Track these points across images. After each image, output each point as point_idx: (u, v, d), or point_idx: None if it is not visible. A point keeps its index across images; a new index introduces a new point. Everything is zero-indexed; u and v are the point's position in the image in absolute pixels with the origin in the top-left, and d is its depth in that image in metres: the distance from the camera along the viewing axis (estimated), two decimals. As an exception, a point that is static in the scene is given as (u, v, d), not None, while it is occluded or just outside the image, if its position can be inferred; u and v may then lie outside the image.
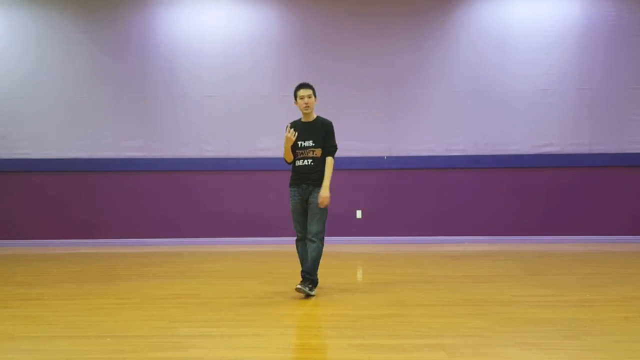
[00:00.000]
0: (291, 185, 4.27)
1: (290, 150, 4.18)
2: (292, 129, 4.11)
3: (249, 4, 7.49)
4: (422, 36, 7.42)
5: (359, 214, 7.37)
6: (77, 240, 7.44)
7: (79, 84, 7.51)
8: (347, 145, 6.71)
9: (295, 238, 4.32)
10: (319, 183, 4.17)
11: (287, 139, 4.10)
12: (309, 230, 4.14)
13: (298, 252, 4.32)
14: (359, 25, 7.43)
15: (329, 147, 4.24)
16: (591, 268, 5.32)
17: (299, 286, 4.02)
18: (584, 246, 6.94)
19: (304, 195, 4.19)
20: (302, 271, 4.13)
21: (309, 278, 4.09)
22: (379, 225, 7.39)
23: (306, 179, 4.19)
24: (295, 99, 4.24)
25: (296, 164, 4.24)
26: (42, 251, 6.96)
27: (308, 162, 4.20)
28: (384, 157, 7.37)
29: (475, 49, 7.40)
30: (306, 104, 4.18)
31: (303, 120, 4.28)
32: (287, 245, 7.11)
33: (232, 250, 6.91)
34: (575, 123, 7.35)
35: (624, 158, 7.30)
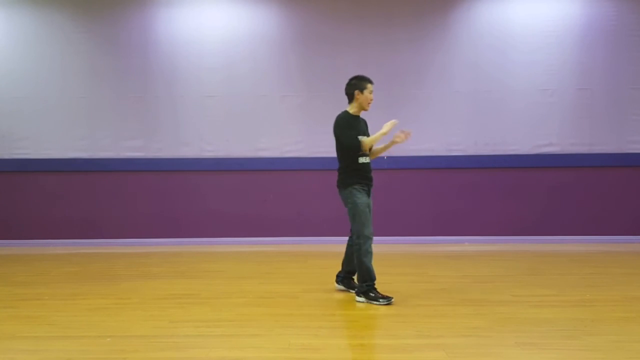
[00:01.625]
0: (359, 183, 4.03)
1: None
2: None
3: (249, 4, 7.49)
4: (422, 36, 7.42)
5: (359, 214, 7.35)
6: (77, 240, 7.43)
7: (79, 84, 7.51)
8: (347, 145, 6.72)
9: (367, 244, 3.99)
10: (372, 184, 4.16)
11: (390, 128, 3.95)
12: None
13: (371, 263, 3.99)
14: (359, 25, 7.42)
15: None
16: (591, 268, 5.32)
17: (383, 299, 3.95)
18: (584, 246, 6.94)
19: (369, 196, 4.10)
20: (349, 272, 4.17)
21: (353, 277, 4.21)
22: (379, 225, 7.32)
23: (371, 179, 4.13)
24: (362, 90, 4.07)
25: (359, 161, 4.05)
26: (42, 251, 6.95)
27: (368, 160, 4.13)
28: (384, 157, 7.35)
29: (476, 49, 7.39)
30: (371, 100, 4.10)
31: (354, 114, 4.17)
32: (287, 245, 7.13)
33: (232, 250, 6.91)
34: (575, 123, 7.35)
35: (624, 158, 7.30)
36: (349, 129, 4.04)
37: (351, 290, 4.14)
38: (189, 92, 7.47)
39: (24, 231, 7.48)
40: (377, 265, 5.64)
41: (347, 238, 4.32)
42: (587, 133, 7.34)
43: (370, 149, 4.20)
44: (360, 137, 4.02)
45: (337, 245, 6.73)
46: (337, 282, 4.31)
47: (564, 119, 7.35)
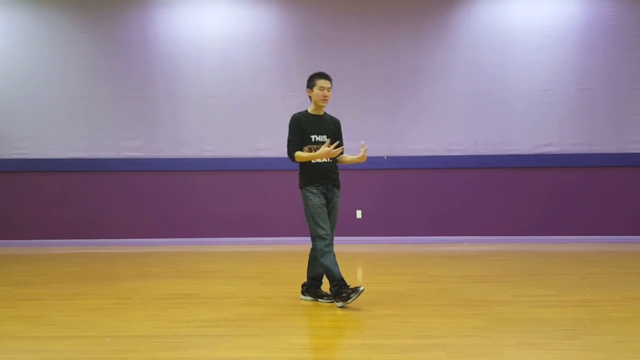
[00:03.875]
0: (313, 184, 3.82)
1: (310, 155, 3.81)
2: (331, 144, 3.76)
3: (249, 4, 7.49)
4: (423, 36, 7.42)
5: (359, 214, 7.36)
6: (77, 240, 7.44)
7: (78, 84, 7.51)
8: (347, 145, 6.62)
9: (320, 244, 3.77)
10: (339, 184, 3.94)
11: (329, 153, 3.75)
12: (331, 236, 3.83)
13: (331, 262, 3.74)
14: (359, 25, 7.43)
15: (341, 145, 3.99)
16: (591, 268, 5.32)
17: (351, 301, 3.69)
18: (584, 246, 6.94)
19: (327, 196, 3.86)
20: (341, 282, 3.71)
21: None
22: (379, 225, 7.39)
23: (330, 178, 3.87)
24: (312, 87, 3.90)
25: (315, 161, 3.84)
26: (42, 251, 6.95)
27: (328, 159, 3.88)
28: (384, 157, 7.36)
29: (476, 49, 7.40)
30: (325, 96, 3.87)
31: (312, 112, 3.95)
32: (287, 245, 7.13)
33: (232, 250, 6.91)
34: (575, 123, 7.35)
35: (624, 158, 7.30)
36: (293, 134, 3.86)
37: (319, 300, 3.91)
38: (189, 92, 7.48)
39: (24, 231, 7.48)
40: (377, 265, 5.66)
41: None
42: (587, 133, 7.34)
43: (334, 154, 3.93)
44: (298, 153, 3.81)
45: (337, 245, 6.72)
46: (302, 292, 4.03)
47: (564, 119, 7.35)
